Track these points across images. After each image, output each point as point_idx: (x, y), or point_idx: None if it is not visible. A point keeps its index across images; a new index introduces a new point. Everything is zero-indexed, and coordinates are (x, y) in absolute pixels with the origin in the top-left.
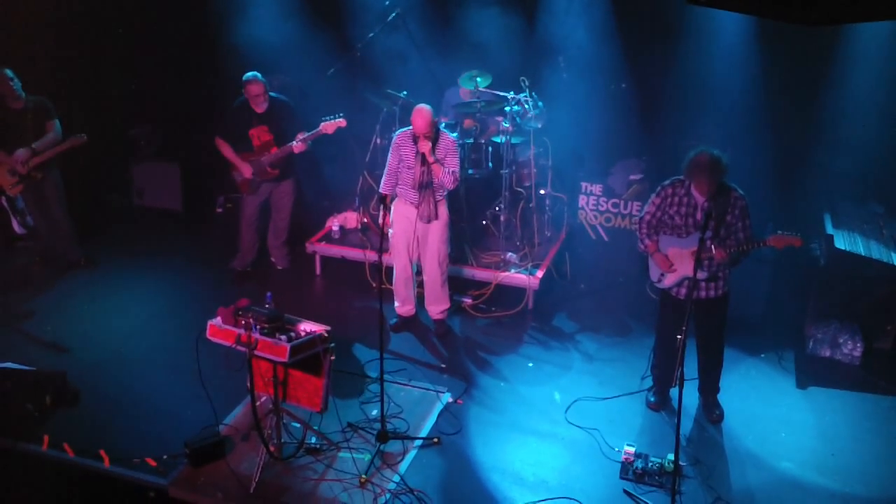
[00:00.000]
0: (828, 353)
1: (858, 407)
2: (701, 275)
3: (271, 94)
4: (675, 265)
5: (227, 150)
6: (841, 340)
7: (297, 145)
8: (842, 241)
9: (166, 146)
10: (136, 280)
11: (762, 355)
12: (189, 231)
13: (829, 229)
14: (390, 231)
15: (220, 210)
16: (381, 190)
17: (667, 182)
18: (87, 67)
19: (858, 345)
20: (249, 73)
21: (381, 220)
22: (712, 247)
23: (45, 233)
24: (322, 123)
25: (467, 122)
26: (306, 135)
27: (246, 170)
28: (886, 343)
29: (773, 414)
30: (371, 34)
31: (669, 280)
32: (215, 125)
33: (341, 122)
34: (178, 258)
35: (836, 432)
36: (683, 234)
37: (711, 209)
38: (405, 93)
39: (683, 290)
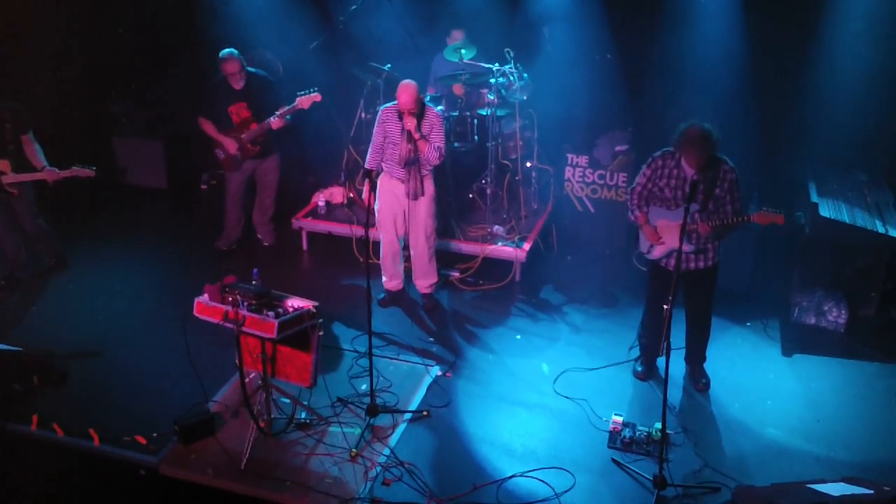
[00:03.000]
0: (813, 321)
1: (843, 373)
2: (688, 248)
3: (249, 69)
4: (664, 237)
5: (210, 129)
6: (826, 308)
7: (274, 121)
8: (826, 209)
9: (148, 123)
10: (121, 258)
11: (748, 324)
12: (174, 208)
13: (814, 197)
14: (376, 206)
15: (204, 187)
16: (366, 165)
17: (657, 153)
18: (65, 43)
19: (843, 312)
20: (225, 51)
21: (365, 196)
22: (698, 222)
23: (3, 247)
24: (297, 98)
25: (458, 89)
26: (283, 110)
27: (231, 145)
28: (870, 310)
29: (758, 382)
30: (353, 6)
31: (658, 252)
32: (197, 104)
33: (316, 96)
34: (163, 236)
35: (821, 399)
36: (673, 206)
37: (699, 181)
38: (389, 66)
39: (673, 261)
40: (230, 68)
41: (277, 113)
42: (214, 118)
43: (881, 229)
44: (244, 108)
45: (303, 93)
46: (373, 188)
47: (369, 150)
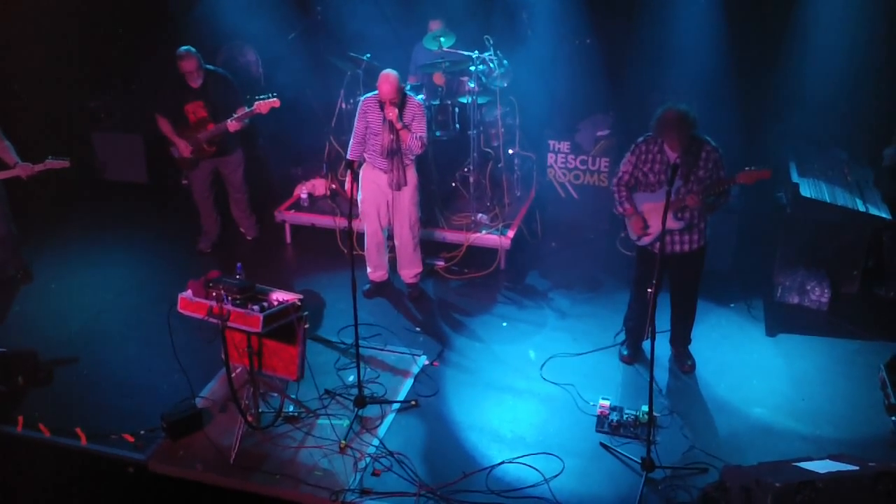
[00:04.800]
0: (796, 300)
1: (827, 351)
2: (677, 224)
3: (207, 66)
4: (651, 221)
5: (165, 128)
6: (808, 287)
7: (231, 123)
8: (807, 189)
9: (127, 117)
10: (103, 255)
11: (732, 305)
12: (155, 203)
13: (795, 177)
14: (359, 197)
15: (185, 181)
16: (348, 156)
17: (640, 139)
18: (44, 38)
19: (826, 290)
20: (182, 48)
21: (347, 187)
22: (685, 195)
23: None
24: (256, 103)
25: (438, 78)
26: (241, 113)
27: (184, 148)
28: (853, 288)
29: (744, 361)
30: None
31: (649, 237)
32: (154, 101)
33: (275, 102)
34: (145, 231)
35: (805, 377)
36: (657, 189)
37: (677, 164)
38: (368, 55)
39: (658, 244)
40: (187, 66)
41: (235, 116)
42: (170, 116)
43: (862, 207)
44: (201, 108)
45: (261, 97)
46: (355, 179)
47: (351, 140)
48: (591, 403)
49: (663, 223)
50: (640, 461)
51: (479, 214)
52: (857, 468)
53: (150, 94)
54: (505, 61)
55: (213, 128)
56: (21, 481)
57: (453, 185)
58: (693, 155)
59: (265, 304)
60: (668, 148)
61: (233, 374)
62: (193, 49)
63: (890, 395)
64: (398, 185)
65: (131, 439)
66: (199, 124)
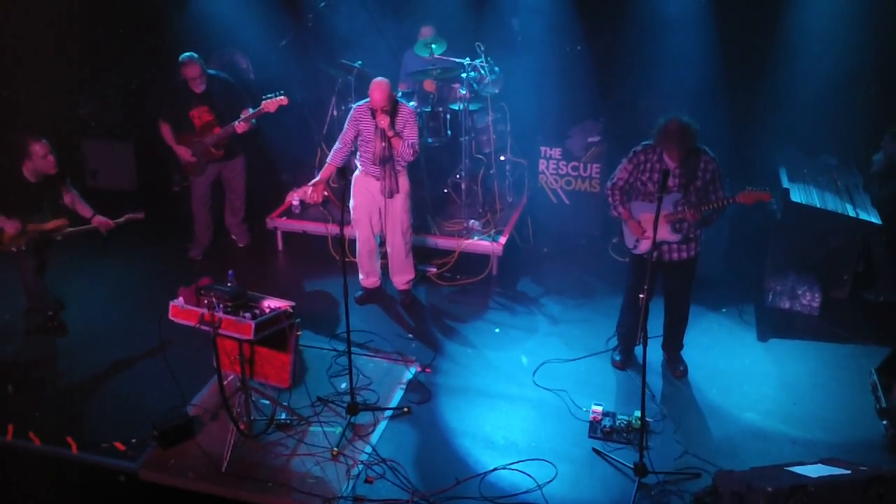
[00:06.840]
0: (787, 305)
1: (818, 356)
2: (675, 237)
3: (210, 71)
4: (648, 231)
5: (167, 135)
6: (799, 292)
7: (239, 125)
8: (797, 195)
9: (117, 125)
10: (93, 263)
11: (723, 310)
12: (145, 211)
13: (785, 183)
14: (351, 204)
15: (176, 188)
16: (328, 161)
17: (639, 147)
18: (33, 45)
19: (816, 295)
20: (184, 55)
21: (311, 186)
22: (685, 209)
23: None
24: (263, 102)
25: (429, 85)
26: (249, 113)
27: (184, 153)
28: (843, 292)
29: (735, 366)
30: (322, 3)
31: (644, 246)
32: (157, 107)
33: (283, 99)
34: (135, 239)
35: (797, 381)
36: (655, 199)
37: (669, 170)
38: (360, 62)
39: (656, 253)
40: (190, 72)
41: (243, 117)
42: (174, 122)
43: (852, 212)
44: (206, 112)
45: (269, 96)
46: (347, 185)
47: (336, 145)
48: (584, 409)
49: (654, 229)
50: (632, 467)
51: (471, 221)
52: (848, 472)
53: (141, 101)
54: (496, 68)
55: (221, 131)
56: (11, 491)
57: (445, 191)
58: (691, 165)
59: (257, 311)
60: (668, 158)
61: (224, 382)
62: (196, 55)
63: (881, 398)
64: (390, 193)
65: (122, 448)
66: (204, 128)
